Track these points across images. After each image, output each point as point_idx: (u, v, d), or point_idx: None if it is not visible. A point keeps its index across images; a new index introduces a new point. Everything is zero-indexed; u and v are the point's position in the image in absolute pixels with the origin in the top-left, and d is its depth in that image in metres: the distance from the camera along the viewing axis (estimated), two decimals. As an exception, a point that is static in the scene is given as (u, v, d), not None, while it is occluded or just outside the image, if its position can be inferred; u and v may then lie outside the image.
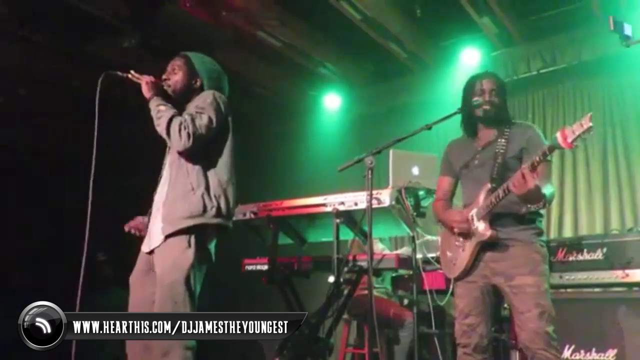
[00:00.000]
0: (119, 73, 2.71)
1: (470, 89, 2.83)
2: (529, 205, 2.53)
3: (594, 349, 3.36)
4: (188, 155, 2.61)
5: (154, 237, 2.61)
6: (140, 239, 2.75)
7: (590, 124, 2.18)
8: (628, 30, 3.14)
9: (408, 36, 5.47)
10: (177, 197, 2.56)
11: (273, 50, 5.59)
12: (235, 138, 2.75)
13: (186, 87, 2.77)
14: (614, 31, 3.17)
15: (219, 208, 2.58)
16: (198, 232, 2.55)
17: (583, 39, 5.25)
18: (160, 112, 2.60)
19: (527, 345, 2.51)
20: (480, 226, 2.62)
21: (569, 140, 2.23)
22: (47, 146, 6.75)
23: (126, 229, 2.85)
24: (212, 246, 2.66)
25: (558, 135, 2.27)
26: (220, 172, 2.66)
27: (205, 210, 2.55)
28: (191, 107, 2.67)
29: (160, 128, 2.59)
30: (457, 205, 2.91)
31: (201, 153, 2.62)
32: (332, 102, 6.58)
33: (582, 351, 3.39)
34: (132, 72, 2.73)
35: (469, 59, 5.52)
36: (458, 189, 2.94)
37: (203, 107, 2.62)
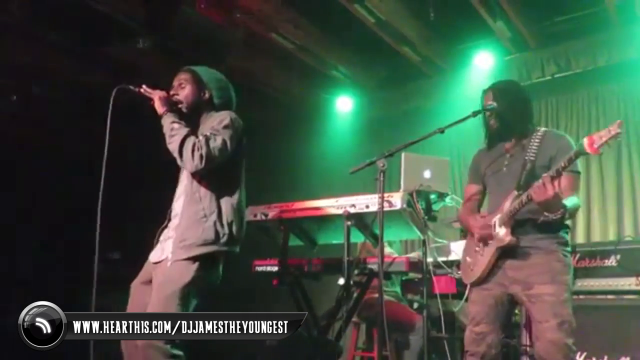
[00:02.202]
0: (132, 87, 2.67)
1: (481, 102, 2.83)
2: (546, 214, 2.47)
3: (606, 357, 3.32)
4: (200, 178, 2.59)
5: (162, 250, 2.62)
6: None
7: (619, 130, 2.18)
8: None
9: (421, 39, 5.46)
10: (190, 224, 2.55)
11: (286, 53, 5.60)
12: (247, 152, 2.75)
13: (196, 100, 2.74)
14: None
15: (230, 235, 2.57)
16: (207, 257, 2.54)
17: (598, 44, 5.21)
18: (173, 130, 2.57)
19: (542, 356, 2.44)
20: (501, 232, 2.58)
21: (596, 145, 2.22)
22: (58, 145, 6.80)
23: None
24: (219, 269, 2.65)
25: (585, 140, 2.27)
26: (233, 196, 2.63)
27: (217, 238, 2.53)
28: (206, 128, 2.65)
29: (173, 146, 2.56)
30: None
31: (214, 177, 2.60)
32: (344, 105, 6.58)
33: (594, 358, 3.35)
34: (144, 86, 2.70)
35: (483, 63, 5.50)
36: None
37: (218, 129, 2.59)
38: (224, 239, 2.55)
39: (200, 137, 2.54)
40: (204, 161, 2.49)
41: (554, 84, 5.58)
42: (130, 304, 2.63)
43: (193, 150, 2.50)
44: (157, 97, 2.66)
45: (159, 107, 2.65)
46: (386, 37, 5.34)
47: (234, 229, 2.59)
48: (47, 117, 6.36)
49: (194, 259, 2.50)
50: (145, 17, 4.46)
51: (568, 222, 2.65)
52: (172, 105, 2.68)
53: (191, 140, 2.53)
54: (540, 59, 5.48)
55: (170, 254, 2.54)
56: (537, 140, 2.68)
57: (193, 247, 2.51)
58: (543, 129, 2.77)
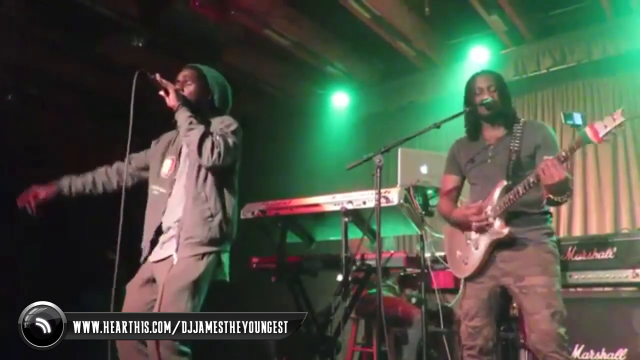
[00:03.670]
0: (149, 74, 2.70)
1: (468, 90, 2.81)
2: (552, 197, 2.46)
3: (603, 349, 3.33)
4: (205, 178, 2.65)
5: (164, 249, 2.65)
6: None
7: (623, 119, 2.21)
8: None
9: (417, 35, 5.46)
10: (196, 223, 2.60)
11: (281, 49, 5.59)
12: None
13: (199, 100, 2.81)
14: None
15: (232, 233, 2.70)
16: (212, 254, 2.62)
17: (593, 37, 5.22)
18: (192, 124, 2.63)
19: (538, 347, 2.47)
20: (496, 224, 2.58)
21: (601, 134, 2.25)
22: (56, 144, 6.77)
23: (19, 203, 2.83)
24: (225, 265, 2.70)
25: (587, 130, 2.28)
26: (233, 196, 2.74)
27: (222, 237, 2.63)
28: (214, 128, 2.71)
29: (191, 140, 2.62)
30: (464, 202, 2.89)
31: (218, 178, 2.67)
32: (340, 101, 6.58)
33: (591, 351, 3.36)
34: (158, 75, 2.73)
35: (478, 57, 5.50)
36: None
37: (227, 132, 2.69)
38: (227, 238, 2.67)
39: (218, 137, 2.63)
40: (221, 159, 2.59)
41: (549, 77, 5.59)
42: (126, 304, 2.64)
43: (212, 148, 2.59)
44: (172, 89, 2.71)
45: (173, 100, 2.69)
46: (381, 33, 5.34)
47: (235, 227, 2.72)
48: (43, 116, 6.34)
49: (201, 256, 2.57)
50: (140, 15, 4.45)
51: (551, 208, 2.68)
52: (184, 99, 2.73)
53: (210, 137, 2.61)
54: (536, 52, 5.49)
55: (175, 252, 2.58)
56: (519, 131, 2.70)
57: (200, 246, 2.58)
58: (523, 119, 2.80)
